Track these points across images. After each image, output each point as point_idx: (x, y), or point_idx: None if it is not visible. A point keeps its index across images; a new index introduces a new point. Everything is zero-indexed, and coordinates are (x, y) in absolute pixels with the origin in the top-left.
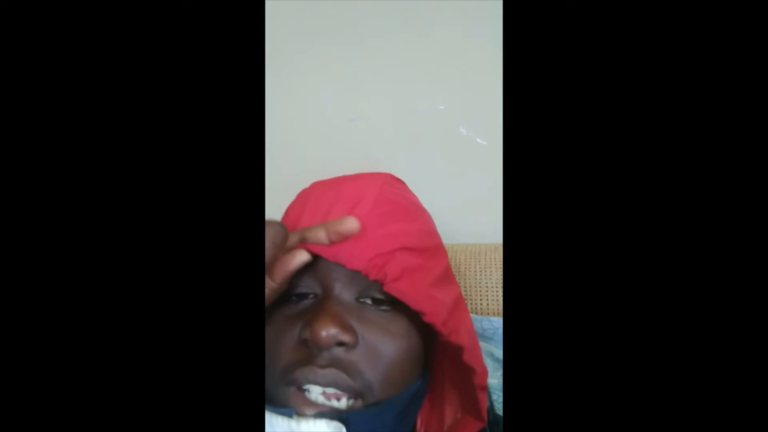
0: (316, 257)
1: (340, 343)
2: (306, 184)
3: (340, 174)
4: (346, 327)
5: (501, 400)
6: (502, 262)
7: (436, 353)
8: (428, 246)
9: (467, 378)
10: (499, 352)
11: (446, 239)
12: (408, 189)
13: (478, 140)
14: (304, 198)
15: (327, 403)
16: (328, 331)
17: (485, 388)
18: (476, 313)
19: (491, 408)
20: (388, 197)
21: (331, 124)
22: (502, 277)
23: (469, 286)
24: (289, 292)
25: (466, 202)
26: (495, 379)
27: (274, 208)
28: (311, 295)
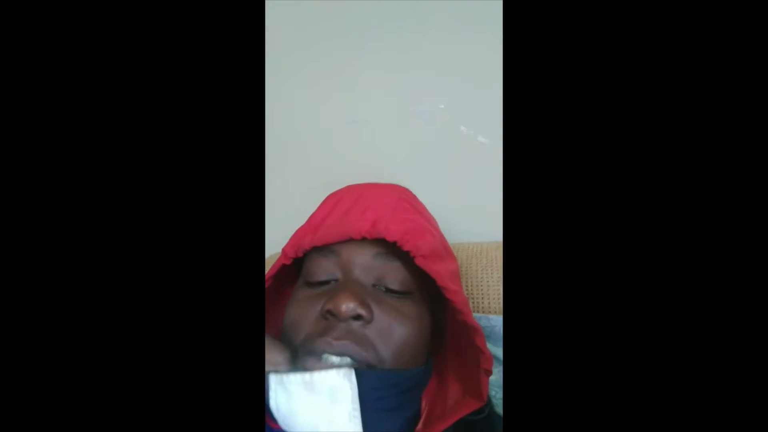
0: (339, 248)
1: (358, 317)
2: (307, 188)
3: (342, 177)
4: (363, 303)
5: (499, 396)
6: (502, 260)
7: (439, 342)
8: (445, 245)
9: (470, 363)
10: (496, 350)
11: (448, 238)
12: (421, 202)
13: (480, 139)
14: (333, 197)
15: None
16: (347, 305)
17: (490, 372)
18: (478, 311)
19: (490, 405)
20: (408, 201)
21: (331, 127)
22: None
23: (471, 285)
24: (310, 279)
25: (468, 201)
26: (492, 375)
27: (277, 210)
28: (332, 281)
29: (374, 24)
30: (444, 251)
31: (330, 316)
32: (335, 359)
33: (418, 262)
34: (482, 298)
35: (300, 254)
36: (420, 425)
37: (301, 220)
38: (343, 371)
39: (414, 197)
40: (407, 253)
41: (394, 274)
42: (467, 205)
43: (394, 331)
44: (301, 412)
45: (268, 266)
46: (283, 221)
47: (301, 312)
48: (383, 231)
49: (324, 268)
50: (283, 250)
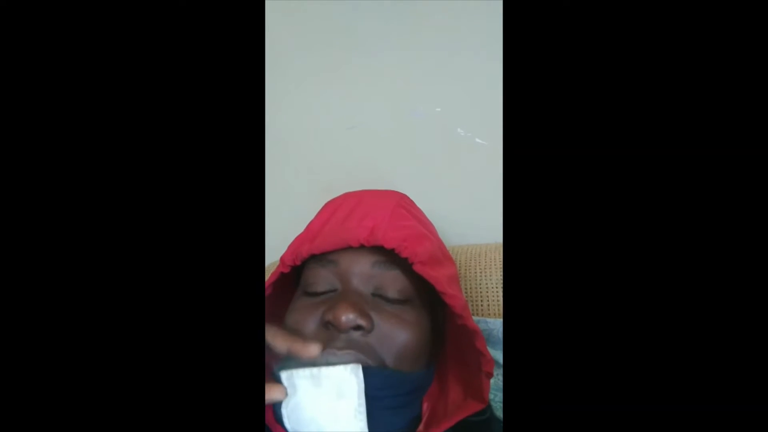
0: (337, 257)
1: (358, 327)
2: (307, 192)
3: (341, 181)
4: (363, 313)
5: (498, 399)
6: (502, 262)
7: (440, 347)
8: (443, 251)
9: (471, 366)
10: (495, 353)
11: (446, 240)
12: (419, 208)
13: (477, 140)
14: (331, 205)
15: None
16: (347, 316)
17: (491, 375)
18: (477, 314)
19: (490, 408)
20: (406, 207)
21: (330, 131)
22: (502, 276)
23: (470, 288)
24: (309, 290)
25: (466, 203)
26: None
27: (277, 214)
28: (331, 291)
29: (373, 27)
30: (442, 256)
31: (330, 326)
32: None
33: (417, 268)
34: (481, 301)
35: (298, 262)
36: (421, 426)
37: (301, 226)
38: (350, 366)
39: (412, 203)
40: (406, 259)
41: (393, 282)
42: (465, 207)
43: (395, 337)
44: (306, 407)
45: (268, 274)
46: (283, 226)
47: (301, 321)
48: (381, 238)
49: (323, 278)
50: (282, 258)
